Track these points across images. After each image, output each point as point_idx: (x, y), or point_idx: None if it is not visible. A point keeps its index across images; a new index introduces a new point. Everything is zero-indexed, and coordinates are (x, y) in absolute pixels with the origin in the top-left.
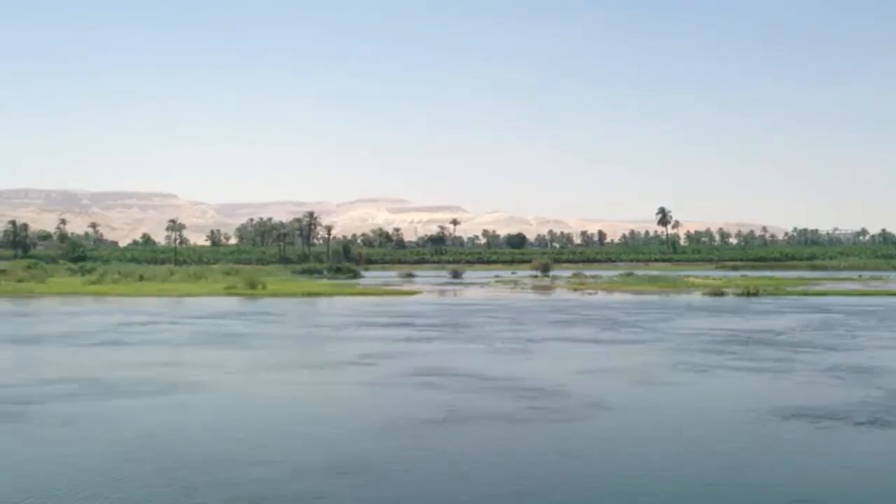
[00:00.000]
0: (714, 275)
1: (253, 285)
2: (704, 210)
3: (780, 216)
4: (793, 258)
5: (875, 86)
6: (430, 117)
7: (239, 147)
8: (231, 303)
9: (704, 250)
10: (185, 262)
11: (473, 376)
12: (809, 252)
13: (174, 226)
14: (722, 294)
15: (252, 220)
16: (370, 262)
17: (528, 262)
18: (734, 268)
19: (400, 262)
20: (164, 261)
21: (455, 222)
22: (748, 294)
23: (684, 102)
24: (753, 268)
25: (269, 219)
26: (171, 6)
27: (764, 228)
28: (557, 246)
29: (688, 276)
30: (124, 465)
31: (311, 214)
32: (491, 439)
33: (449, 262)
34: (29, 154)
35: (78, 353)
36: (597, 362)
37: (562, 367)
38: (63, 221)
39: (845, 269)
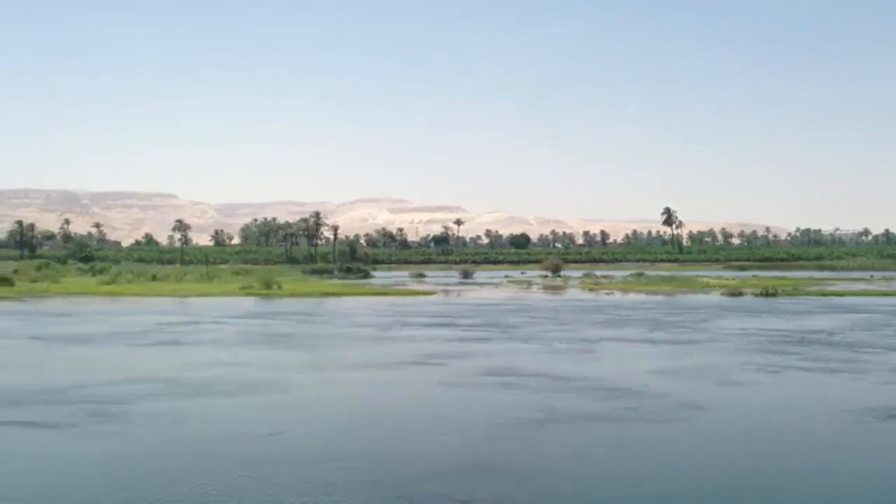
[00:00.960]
0: (724, 275)
1: (269, 285)
2: (705, 210)
3: (781, 216)
4: (799, 258)
5: (875, 86)
6: (430, 117)
7: (239, 147)
8: (254, 303)
9: (710, 250)
10: (191, 262)
11: (550, 377)
12: (816, 252)
13: (180, 226)
14: (740, 294)
15: (256, 220)
16: (376, 262)
17: (535, 262)
18: (742, 268)
19: (406, 262)
20: (170, 261)
21: (459, 222)
22: (766, 294)
23: (684, 102)
24: (761, 268)
25: (274, 219)
26: (171, 6)
27: (767, 229)
28: (560, 246)
29: (700, 277)
30: (260, 466)
31: (317, 214)
32: (611, 439)
33: (455, 262)
34: (29, 154)
35: (142, 353)
36: (665, 363)
37: (632, 367)
38: (67, 222)
39: (853, 269)
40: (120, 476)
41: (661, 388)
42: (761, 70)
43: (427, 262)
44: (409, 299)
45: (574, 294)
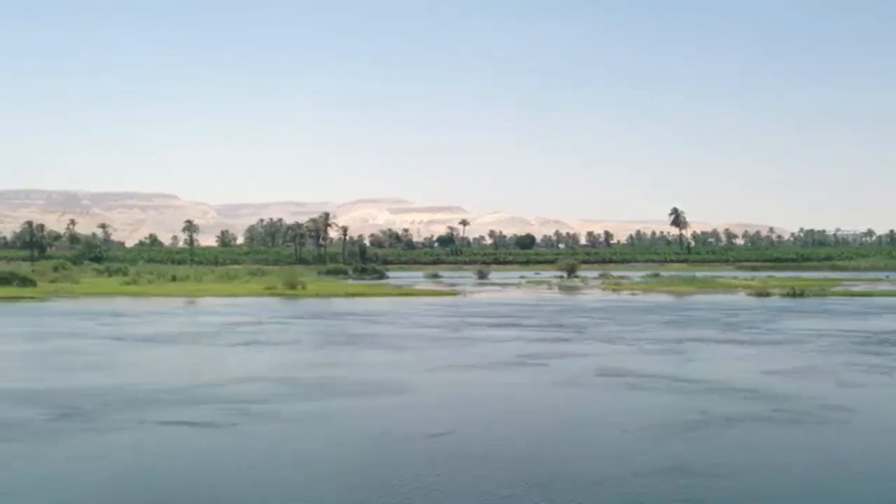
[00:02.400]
0: (739, 275)
1: (293, 286)
2: (705, 210)
3: (782, 216)
4: (808, 259)
5: (875, 86)
6: (430, 117)
7: (239, 147)
8: (289, 303)
9: (719, 251)
10: (200, 262)
11: (666, 377)
12: (825, 253)
13: (189, 227)
14: (767, 295)
15: (262, 220)
16: (386, 262)
17: (544, 263)
18: (753, 268)
19: (415, 262)
20: (179, 261)
21: (464, 223)
22: (794, 295)
23: (685, 102)
24: (772, 269)
25: (280, 220)
26: (171, 6)
27: (771, 229)
28: (563, 246)
29: (719, 278)
30: (450, 465)
31: (326, 215)
32: (782, 440)
33: (465, 262)
34: (30, 154)
35: (232, 353)
36: (768, 364)
37: (740, 368)
38: (72, 222)
39: (865, 269)
40: (325, 473)
41: (789, 389)
42: (761, 70)
43: (437, 262)
44: (440, 299)
45: (602, 295)
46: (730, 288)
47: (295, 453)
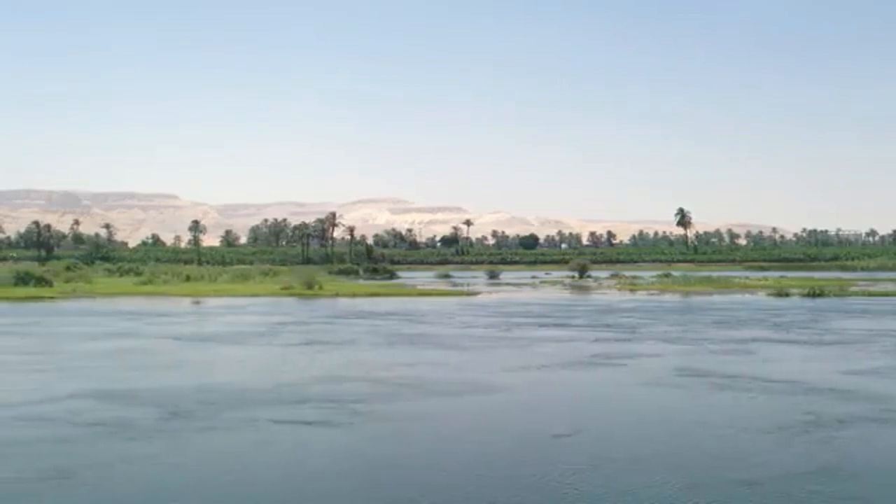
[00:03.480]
0: (751, 275)
1: (310, 286)
2: (705, 210)
3: (782, 216)
4: (815, 259)
5: (876, 85)
6: (431, 117)
7: (239, 147)
8: (316, 303)
9: (725, 251)
10: (207, 262)
11: (751, 378)
12: (831, 253)
13: (195, 226)
14: (787, 295)
15: (266, 220)
16: (392, 262)
17: (551, 263)
18: (761, 268)
19: (422, 262)
20: (186, 261)
21: (468, 223)
22: (814, 295)
23: (685, 102)
24: (781, 268)
25: (284, 220)
26: (172, 6)
27: (774, 229)
28: (565, 246)
29: (733, 278)
30: (592, 464)
31: (333, 215)
32: None
33: (472, 262)
34: (30, 154)
35: (297, 352)
36: (846, 364)
37: (821, 368)
38: (76, 222)
39: (874, 269)
40: (480, 473)
41: (884, 389)
42: (760, 70)
43: (443, 262)
44: (464, 299)
45: (621, 295)
46: (747, 288)
47: (435, 453)
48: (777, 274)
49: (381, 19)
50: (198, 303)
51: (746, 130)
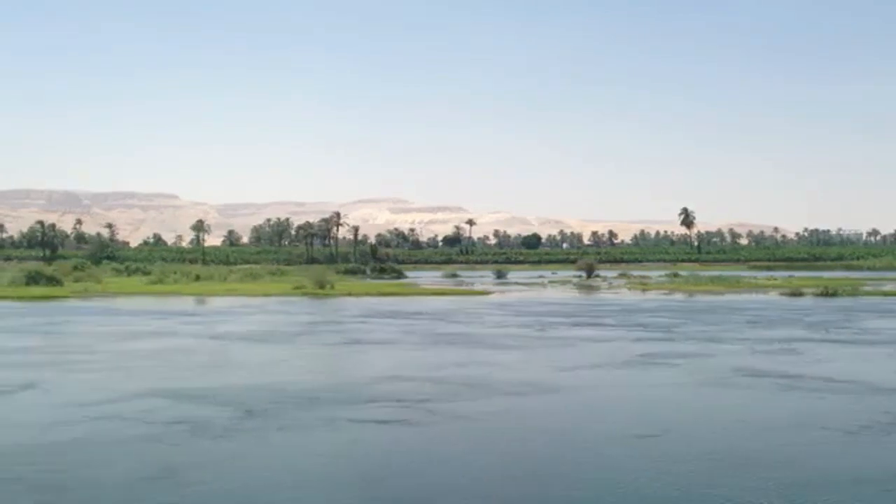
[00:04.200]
0: (759, 275)
1: (322, 285)
2: (706, 210)
3: (782, 216)
4: (819, 259)
5: (876, 84)
6: (431, 117)
7: (239, 147)
8: (332, 303)
9: (730, 251)
10: (211, 262)
11: (813, 378)
12: (836, 252)
13: (199, 226)
14: (801, 294)
15: (269, 220)
16: (397, 262)
17: (555, 262)
18: (768, 268)
19: (426, 262)
20: (191, 261)
21: (471, 222)
22: (827, 294)
23: (685, 102)
24: (784, 268)
25: (287, 219)
26: (172, 6)
27: (775, 229)
28: (567, 246)
29: (743, 277)
30: (688, 464)
31: (337, 215)
32: None
33: (476, 262)
34: (30, 154)
35: (342, 352)
36: None
37: (877, 368)
38: (79, 222)
39: (881, 269)
40: (581, 471)
41: None
42: (759, 69)
43: (448, 262)
44: (484, 298)
45: (634, 295)
46: (757, 287)
47: (532, 453)
48: (784, 274)
49: (380, 19)
50: (215, 302)
51: (747, 130)
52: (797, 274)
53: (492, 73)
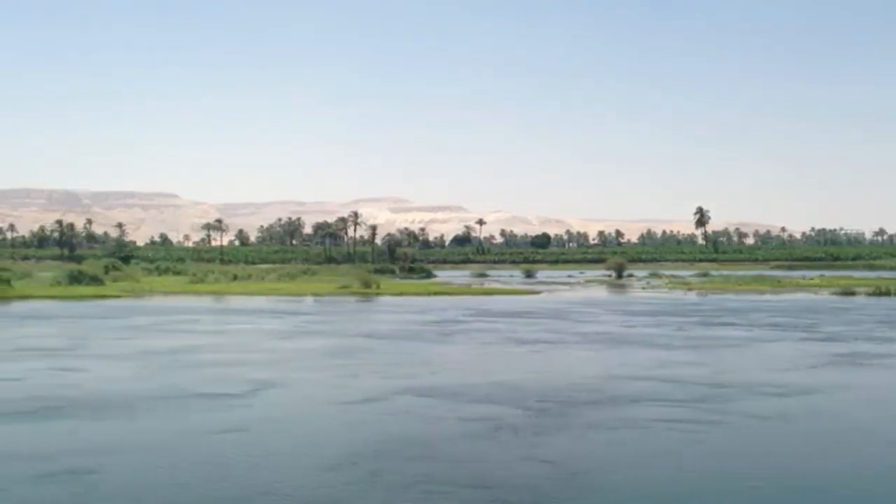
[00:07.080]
0: (792, 274)
1: (367, 284)
2: (708, 209)
3: (784, 215)
4: (838, 258)
5: (880, 84)
6: (431, 117)
7: (239, 147)
8: (388, 302)
9: (746, 250)
10: (230, 261)
11: None
12: (854, 252)
13: (215, 226)
14: (853, 293)
15: (280, 219)
16: (414, 261)
17: (573, 262)
18: (790, 267)
19: (444, 261)
20: (209, 260)
21: (481, 222)
22: (880, 293)
23: (686, 102)
24: (803, 268)
25: (298, 218)
26: (172, 6)
27: (783, 228)
28: (574, 245)
29: (781, 277)
30: None
31: (355, 214)
32: None
33: (494, 262)
34: (30, 154)
35: (517, 352)
36: None
37: None
38: (89, 222)
39: None
40: None
41: None
42: (759, 69)
43: (465, 262)
44: (541, 297)
45: (685, 295)
46: (802, 287)
47: (860, 453)
48: (812, 273)
49: (380, 19)
50: (281, 301)
51: (747, 130)
52: (827, 273)
53: (492, 72)
